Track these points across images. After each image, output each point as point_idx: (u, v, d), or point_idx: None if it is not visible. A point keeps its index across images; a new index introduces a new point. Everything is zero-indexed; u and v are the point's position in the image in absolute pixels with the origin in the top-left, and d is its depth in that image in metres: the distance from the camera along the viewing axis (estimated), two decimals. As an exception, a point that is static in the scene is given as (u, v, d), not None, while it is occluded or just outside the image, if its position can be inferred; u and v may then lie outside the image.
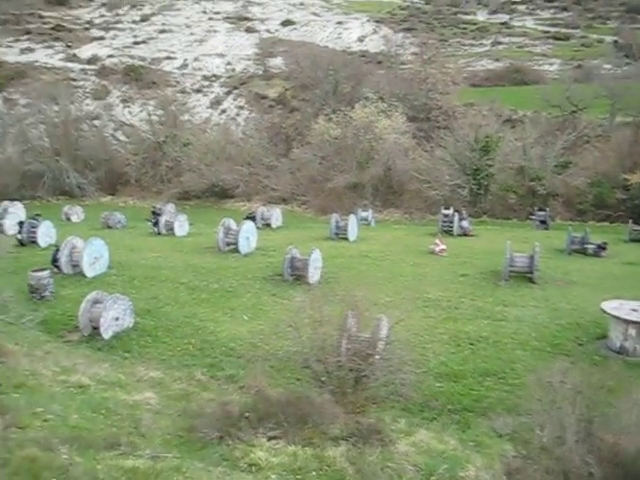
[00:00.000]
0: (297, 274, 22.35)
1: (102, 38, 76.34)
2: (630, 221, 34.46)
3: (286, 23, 79.83)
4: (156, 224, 32.97)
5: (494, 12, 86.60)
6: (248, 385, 13.24)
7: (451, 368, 15.10)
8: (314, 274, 22.30)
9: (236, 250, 26.61)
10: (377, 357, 11.44)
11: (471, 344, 16.81)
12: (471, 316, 19.09)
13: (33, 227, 28.20)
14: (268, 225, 36.31)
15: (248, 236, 27.11)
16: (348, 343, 12.40)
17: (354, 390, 11.01)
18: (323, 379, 11.31)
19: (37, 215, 29.76)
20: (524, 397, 10.92)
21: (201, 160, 51.93)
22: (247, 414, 8.13)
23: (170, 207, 42.01)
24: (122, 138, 60.60)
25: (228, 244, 27.17)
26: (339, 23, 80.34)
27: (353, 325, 13.13)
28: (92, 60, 70.31)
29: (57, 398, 9.72)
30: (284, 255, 22.58)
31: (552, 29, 79.44)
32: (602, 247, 28.55)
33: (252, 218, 34.41)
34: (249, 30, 77.57)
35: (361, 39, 76.07)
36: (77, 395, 10.42)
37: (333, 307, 12.73)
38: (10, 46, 73.27)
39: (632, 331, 15.96)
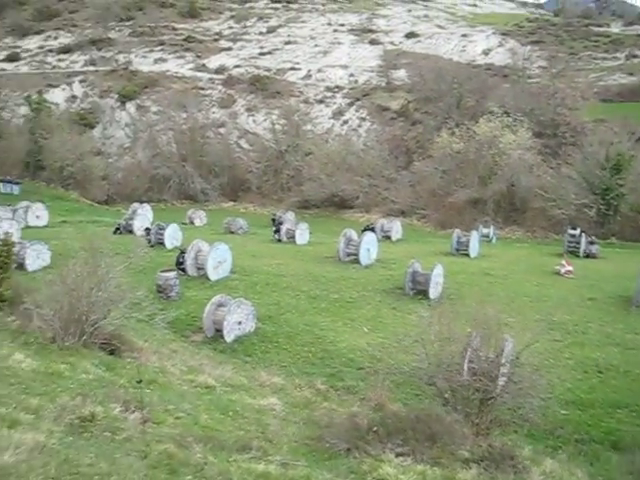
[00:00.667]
0: (418, 289, 22.09)
1: (230, 49, 78.97)
2: None
3: (410, 35, 79.55)
4: (277, 232, 33.61)
5: (630, 24, 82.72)
6: (368, 397, 13.18)
7: (578, 396, 14.43)
8: (435, 289, 21.98)
9: (356, 261, 26.63)
10: (504, 379, 11.07)
11: (599, 372, 16.01)
12: (599, 342, 18.19)
13: (161, 229, 29.42)
14: (388, 237, 36.11)
15: (369, 247, 27.07)
16: (473, 362, 12.09)
17: (479, 411, 10.69)
18: (446, 396, 11.06)
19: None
20: None
21: (322, 170, 52.63)
22: (375, 428, 8.05)
23: (290, 215, 42.74)
24: (245, 146, 62.44)
25: (348, 255, 27.26)
26: (464, 36, 79.23)
27: (477, 344, 12.80)
28: (220, 70, 72.91)
29: (186, 397, 10.01)
30: (406, 269, 22.39)
31: (696, 40, 74.89)
32: None
33: (371, 229, 34.37)
34: (373, 42, 77.90)
35: (486, 52, 74.67)
36: (204, 395, 10.69)
37: (459, 324, 12.46)
38: (145, 56, 77.29)
39: None
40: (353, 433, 8.01)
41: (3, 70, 74.34)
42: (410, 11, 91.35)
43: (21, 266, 22.30)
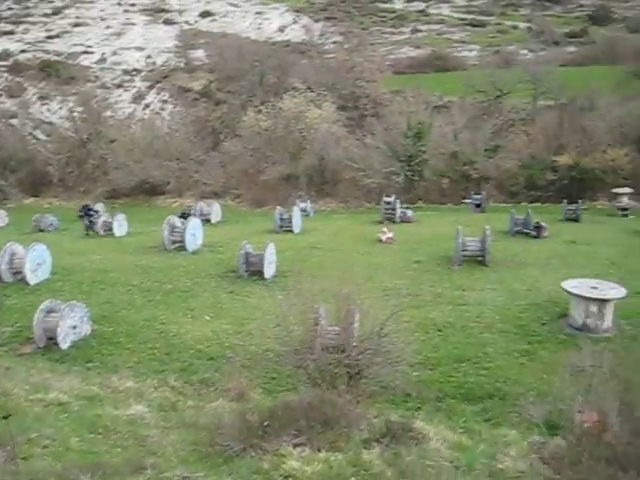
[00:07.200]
0: (252, 270, 21.85)
1: (12, 32, 72.83)
2: (565, 201, 35.39)
3: (205, 14, 78.14)
4: (90, 225, 31.64)
5: (410, 0, 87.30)
6: (228, 388, 12.77)
7: (425, 356, 14.91)
8: (270, 268, 21.86)
9: (183, 248, 25.82)
10: (369, 351, 11.18)
11: (439, 330, 16.75)
12: (433, 302, 19.04)
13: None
14: (208, 220, 35.34)
15: (194, 233, 26.34)
16: (327, 338, 12.11)
17: (348, 386, 10.71)
18: (315, 376, 10.95)
19: None
20: (554, 382, 10.81)
21: (128, 157, 50.29)
22: (267, 422, 7.68)
23: (99, 206, 40.54)
24: (42, 137, 58.11)
25: (174, 242, 26.33)
26: (258, 13, 79.32)
27: (324, 319, 12.85)
28: (3, 56, 67.04)
29: (44, 420, 9.00)
30: (238, 251, 22.03)
31: (468, 16, 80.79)
32: (538, 227, 29.05)
33: (187, 215, 33.42)
34: (167, 22, 75.55)
35: (282, 29, 75.38)
36: (60, 414, 9.70)
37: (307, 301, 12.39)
38: None
39: (593, 308, 16.27)
40: (245, 431, 7.59)
41: None
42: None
43: None
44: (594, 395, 6.97)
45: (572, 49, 66.99)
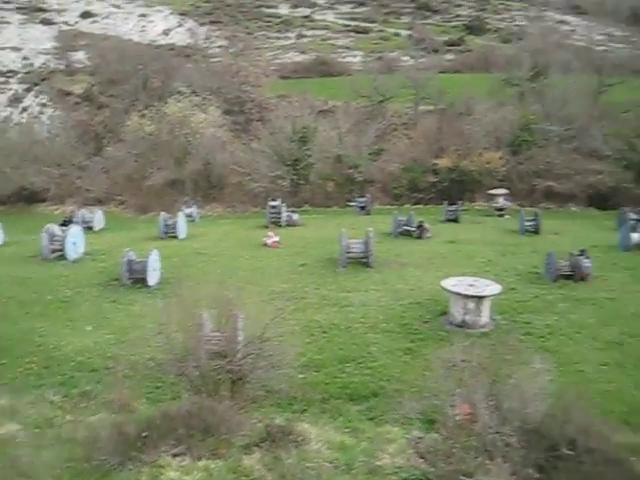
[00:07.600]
0: (136, 277, 21.35)
1: None
2: (445, 202, 36.72)
3: (85, 15, 75.52)
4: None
5: (296, 6, 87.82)
6: (110, 400, 12.43)
7: (310, 358, 15.11)
8: (153, 276, 21.45)
9: (63, 257, 24.90)
10: (251, 356, 11.18)
11: (324, 332, 16.99)
12: (318, 305, 19.29)
13: None
14: (90, 228, 34.27)
15: (75, 241, 25.44)
16: (211, 344, 12.02)
17: (232, 392, 10.68)
18: (197, 384, 10.83)
19: None
20: (430, 378, 11.11)
21: (5, 163, 47.84)
22: (145, 433, 7.52)
23: (-27, 215, 38.47)
24: None
25: (53, 251, 25.33)
26: (142, 16, 77.49)
27: (209, 326, 12.75)
28: None
29: None
30: (121, 258, 21.50)
31: (352, 23, 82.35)
32: (420, 227, 29.98)
33: (70, 221, 32.34)
34: (45, 22, 72.47)
35: (166, 32, 74.06)
36: None
37: (188, 309, 12.26)
38: None
39: (471, 305, 16.99)
40: (123, 444, 7.41)
41: None
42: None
43: None
44: (465, 388, 7.31)
45: (450, 57, 69.61)
